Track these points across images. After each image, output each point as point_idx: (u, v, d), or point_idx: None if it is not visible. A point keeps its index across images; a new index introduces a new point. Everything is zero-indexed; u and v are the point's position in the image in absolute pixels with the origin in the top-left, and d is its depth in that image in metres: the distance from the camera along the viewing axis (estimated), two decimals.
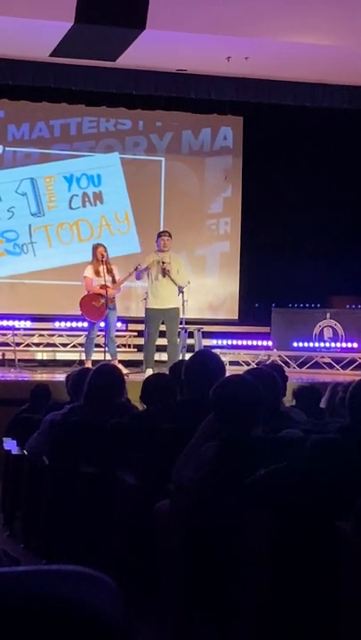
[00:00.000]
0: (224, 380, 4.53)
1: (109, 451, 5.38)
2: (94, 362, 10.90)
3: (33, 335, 13.88)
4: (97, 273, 12.02)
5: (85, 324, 12.35)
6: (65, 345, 13.82)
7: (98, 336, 12.23)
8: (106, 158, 14.97)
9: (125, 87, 13.16)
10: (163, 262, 11.84)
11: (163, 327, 12.00)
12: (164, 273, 11.81)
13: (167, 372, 8.85)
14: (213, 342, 13.94)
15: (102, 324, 12.05)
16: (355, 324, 13.85)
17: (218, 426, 4.30)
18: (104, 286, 11.90)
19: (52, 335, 13.99)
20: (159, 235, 12.23)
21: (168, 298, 11.85)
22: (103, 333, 12.13)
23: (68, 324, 13.87)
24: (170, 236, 12.14)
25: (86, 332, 12.31)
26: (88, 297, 12.01)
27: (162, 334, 12.06)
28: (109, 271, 12.00)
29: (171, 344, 11.89)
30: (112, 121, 14.94)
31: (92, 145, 14.93)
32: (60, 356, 13.71)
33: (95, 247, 12.26)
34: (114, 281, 11.98)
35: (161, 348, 12.30)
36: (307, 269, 15.29)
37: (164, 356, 12.23)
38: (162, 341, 12.14)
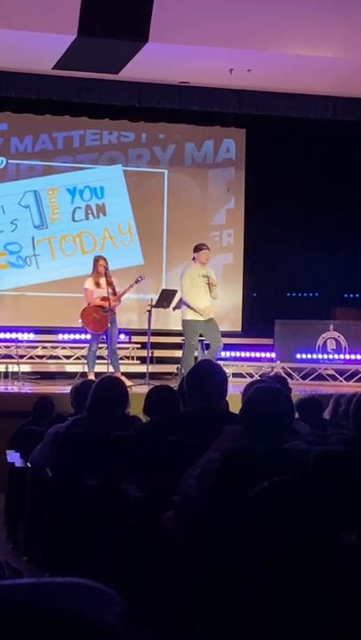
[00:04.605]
0: (257, 390, 4.45)
1: (113, 463, 5.37)
2: (97, 374, 10.89)
3: (36, 347, 13.87)
4: (97, 285, 12.04)
5: (89, 337, 12.32)
6: (68, 357, 13.80)
7: (100, 348, 12.23)
8: (109, 170, 14.99)
9: (128, 99, 13.17)
10: (208, 277, 11.78)
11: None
12: (210, 288, 11.76)
13: None
14: None
15: (104, 337, 12.05)
16: (358, 335, 13.84)
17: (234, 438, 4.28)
18: (105, 298, 11.91)
19: (56, 347, 13.97)
20: (201, 247, 11.92)
21: (209, 310, 11.84)
22: (105, 346, 12.13)
23: (72, 337, 13.84)
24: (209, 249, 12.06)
25: (88, 345, 12.30)
26: (89, 309, 12.02)
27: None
28: (109, 283, 12.00)
29: (214, 351, 11.83)
30: (115, 133, 14.98)
31: (95, 157, 14.96)
32: (63, 369, 13.69)
33: (96, 259, 12.27)
34: (114, 293, 11.98)
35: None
36: (310, 281, 15.30)
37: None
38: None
